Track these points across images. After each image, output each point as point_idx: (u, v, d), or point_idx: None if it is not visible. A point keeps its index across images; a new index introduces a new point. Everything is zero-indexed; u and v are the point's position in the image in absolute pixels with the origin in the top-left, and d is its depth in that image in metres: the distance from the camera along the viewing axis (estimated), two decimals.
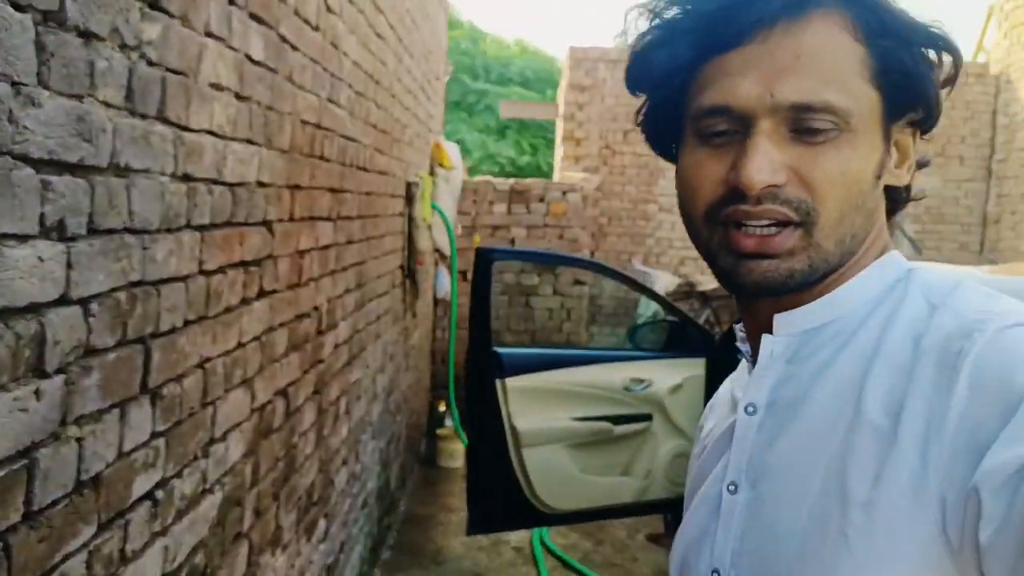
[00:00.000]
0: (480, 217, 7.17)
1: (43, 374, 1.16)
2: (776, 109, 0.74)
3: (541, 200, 7.23)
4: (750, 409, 0.83)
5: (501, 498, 3.85)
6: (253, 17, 1.97)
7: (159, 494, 1.59)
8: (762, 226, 0.75)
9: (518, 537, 4.82)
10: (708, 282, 8.31)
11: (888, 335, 0.76)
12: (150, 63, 1.44)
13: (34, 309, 1.14)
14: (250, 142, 1.99)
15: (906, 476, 0.68)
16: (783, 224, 0.75)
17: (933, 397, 0.69)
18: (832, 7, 0.75)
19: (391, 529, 4.72)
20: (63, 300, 1.21)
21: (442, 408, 6.53)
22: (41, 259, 1.14)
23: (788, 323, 0.82)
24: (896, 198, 0.85)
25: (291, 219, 2.38)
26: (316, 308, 2.75)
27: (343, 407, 3.28)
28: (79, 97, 1.21)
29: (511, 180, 7.36)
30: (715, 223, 0.78)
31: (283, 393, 2.41)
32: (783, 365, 0.81)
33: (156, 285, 1.52)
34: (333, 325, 3.02)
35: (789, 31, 0.74)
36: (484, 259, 3.81)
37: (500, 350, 3.87)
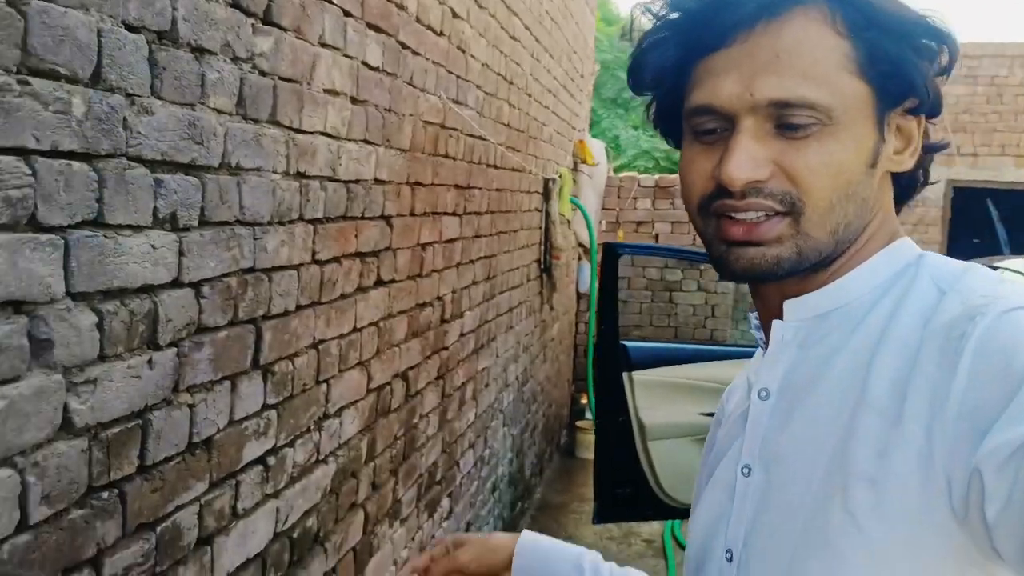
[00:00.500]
0: (624, 213, 7.20)
1: (156, 347, 1.34)
2: (756, 107, 0.76)
3: None
4: (763, 393, 0.85)
5: (627, 489, 3.90)
6: (370, 26, 2.13)
7: (271, 460, 1.76)
8: (749, 218, 0.78)
9: (650, 529, 4.85)
10: None
11: (896, 319, 0.77)
12: (262, 73, 1.61)
13: (148, 290, 1.31)
14: (367, 142, 2.15)
15: (913, 455, 0.70)
16: (770, 214, 0.78)
17: (936, 378, 0.70)
18: (813, 3, 0.77)
19: (525, 515, 4.85)
20: (176, 283, 1.38)
21: (583, 400, 6.62)
22: (154, 247, 1.32)
23: (798, 309, 0.84)
24: (908, 183, 0.87)
25: (412, 214, 2.54)
26: (439, 298, 2.90)
27: (469, 393, 3.43)
28: (190, 105, 1.39)
29: (656, 176, 7.34)
30: (708, 214, 0.81)
31: (403, 376, 2.57)
32: (795, 350, 0.83)
33: (267, 272, 1.69)
34: (458, 314, 3.17)
35: (769, 30, 0.76)
36: (611, 254, 3.88)
37: (628, 343, 3.92)
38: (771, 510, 0.80)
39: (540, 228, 4.85)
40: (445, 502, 3.19)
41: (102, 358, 1.22)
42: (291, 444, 1.85)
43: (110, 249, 1.22)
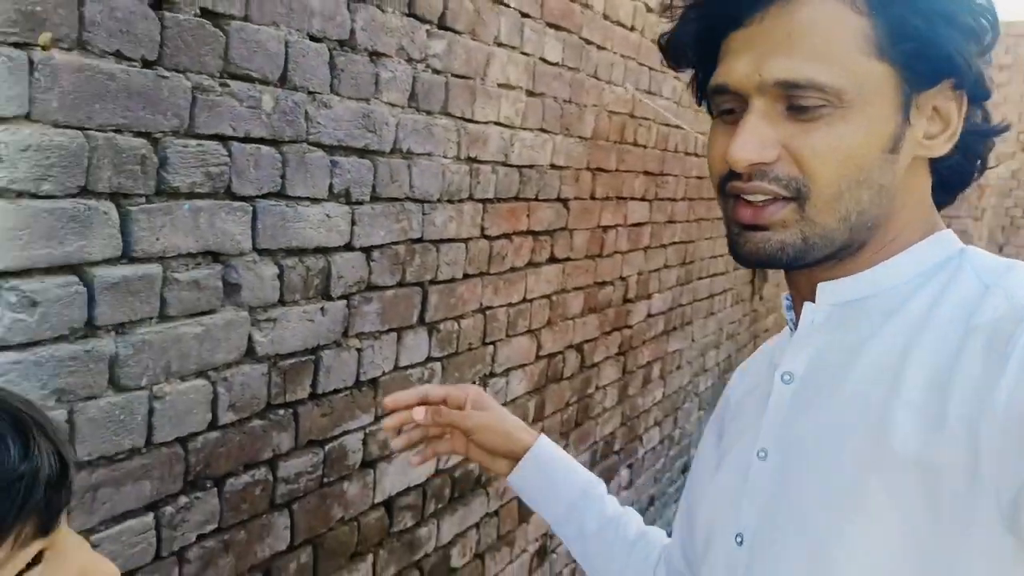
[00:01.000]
0: None
1: (329, 298, 1.65)
2: (764, 87, 0.74)
3: None
4: (786, 377, 0.82)
5: None
6: (550, 25, 2.35)
7: None
8: (756, 200, 0.76)
9: None
10: None
11: (937, 312, 0.74)
12: (435, 71, 1.88)
13: (323, 251, 1.62)
14: (543, 131, 2.37)
15: (960, 455, 0.67)
16: (776, 198, 0.76)
17: (981, 381, 0.68)
18: None
19: None
20: (348, 247, 1.68)
21: None
22: (328, 216, 1.62)
23: (830, 293, 0.81)
24: (957, 170, 0.81)
25: (592, 197, 2.74)
26: (622, 278, 3.08)
27: (656, 373, 3.58)
28: (365, 100, 1.68)
29: None
30: (725, 195, 0.80)
31: (577, 348, 2.78)
32: (823, 335, 0.81)
33: (435, 243, 1.96)
34: (645, 295, 3.33)
35: (784, 9, 0.75)
36: None
37: None
38: (789, 495, 0.78)
39: None
40: (624, 472, 3.37)
41: (281, 302, 1.53)
42: None
43: (291, 216, 1.53)
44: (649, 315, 3.41)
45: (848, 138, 0.73)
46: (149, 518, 1.33)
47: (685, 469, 4.19)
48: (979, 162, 0.82)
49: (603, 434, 3.11)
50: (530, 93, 2.29)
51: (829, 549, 0.73)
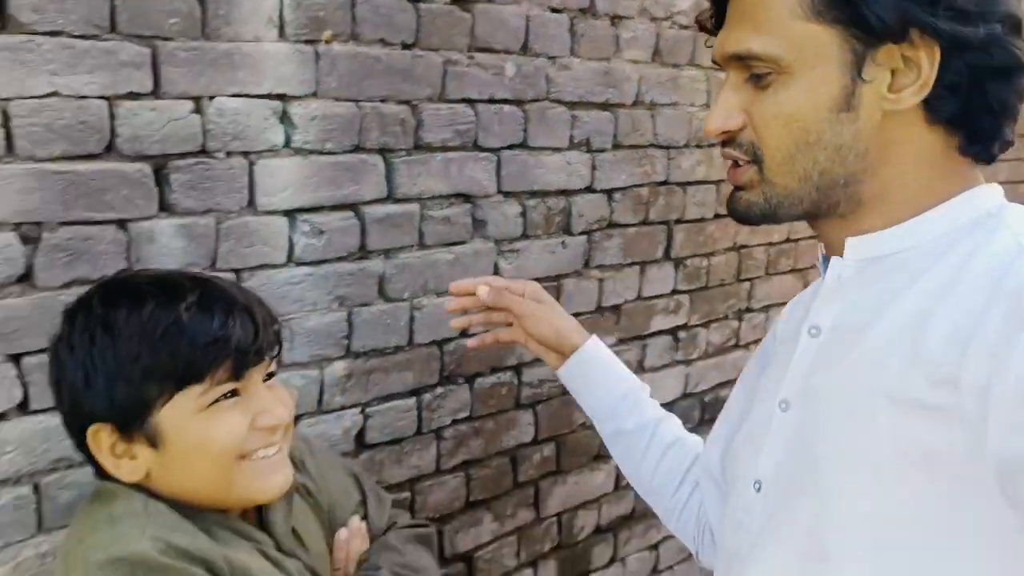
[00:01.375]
0: None
1: (569, 233, 1.92)
2: (726, 61, 0.81)
3: None
4: (813, 331, 0.84)
5: None
6: None
7: (681, 334, 2.25)
8: (731, 166, 0.84)
9: None
10: None
11: (967, 270, 0.74)
12: (681, 27, 2.05)
13: (563, 193, 1.89)
14: None
15: (968, 424, 0.68)
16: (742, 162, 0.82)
17: (1000, 347, 0.67)
18: None
19: None
20: (588, 189, 1.94)
21: None
22: (568, 163, 1.88)
23: (859, 247, 0.82)
24: (986, 118, 0.77)
25: None
26: None
27: None
28: (606, 59, 1.90)
29: None
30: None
31: None
32: (852, 291, 0.82)
33: (682, 185, 2.15)
34: None
35: None
36: None
37: None
38: (804, 448, 0.81)
39: None
40: None
41: (524, 236, 1.84)
42: (704, 326, 2.31)
43: (532, 163, 1.82)
44: None
45: (789, 103, 0.77)
46: (412, 400, 1.72)
47: None
48: (1009, 108, 0.77)
49: None
50: None
51: (835, 503, 0.76)
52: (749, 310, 2.43)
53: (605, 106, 1.93)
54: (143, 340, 0.93)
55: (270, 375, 1.04)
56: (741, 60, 0.78)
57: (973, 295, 0.71)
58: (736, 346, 2.42)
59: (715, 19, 0.85)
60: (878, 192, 0.79)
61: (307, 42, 1.45)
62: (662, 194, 2.11)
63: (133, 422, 0.95)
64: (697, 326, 2.29)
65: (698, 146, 2.16)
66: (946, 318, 0.71)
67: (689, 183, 2.17)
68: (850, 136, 0.77)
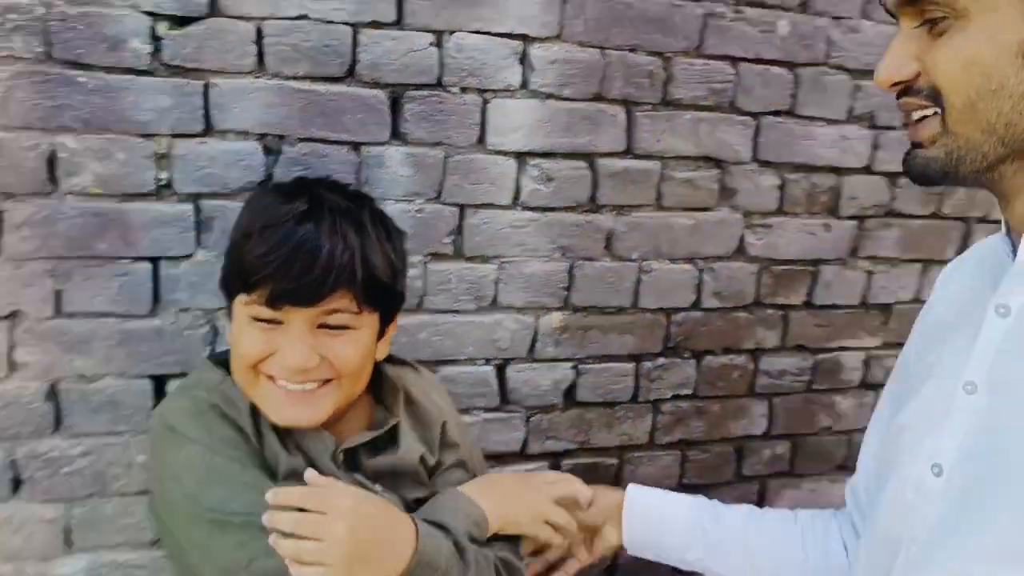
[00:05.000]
0: None
1: (836, 215, 1.74)
2: (898, 6, 0.76)
3: None
4: (1002, 310, 0.80)
5: None
6: None
7: None
8: (912, 120, 0.78)
9: None
10: None
11: None
12: None
13: (833, 170, 1.71)
14: None
15: None
16: (924, 115, 0.76)
17: None
18: None
19: None
20: (866, 170, 1.74)
21: None
22: (845, 137, 1.70)
23: None
24: None
25: None
26: None
27: None
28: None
29: None
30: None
31: None
32: None
33: None
34: None
35: None
36: None
37: None
38: (999, 434, 0.77)
39: None
40: None
41: (780, 212, 1.69)
42: None
43: (799, 133, 1.66)
44: None
45: (967, 47, 0.72)
46: (630, 366, 1.66)
47: None
48: None
49: None
50: None
51: None
52: None
53: None
54: (237, 231, 1.04)
55: (337, 327, 1.01)
56: (914, 4, 0.75)
57: None
58: None
59: None
60: None
61: None
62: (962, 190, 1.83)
63: (227, 300, 1.05)
64: None
65: None
66: None
67: None
68: None
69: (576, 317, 1.59)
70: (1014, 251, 0.81)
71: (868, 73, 1.68)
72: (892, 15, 0.79)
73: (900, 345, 1.81)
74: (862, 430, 1.87)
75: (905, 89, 0.77)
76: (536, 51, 1.45)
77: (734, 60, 1.58)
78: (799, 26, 1.61)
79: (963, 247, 1.87)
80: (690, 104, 1.57)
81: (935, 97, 0.75)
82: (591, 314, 1.60)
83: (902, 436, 0.87)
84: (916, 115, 0.77)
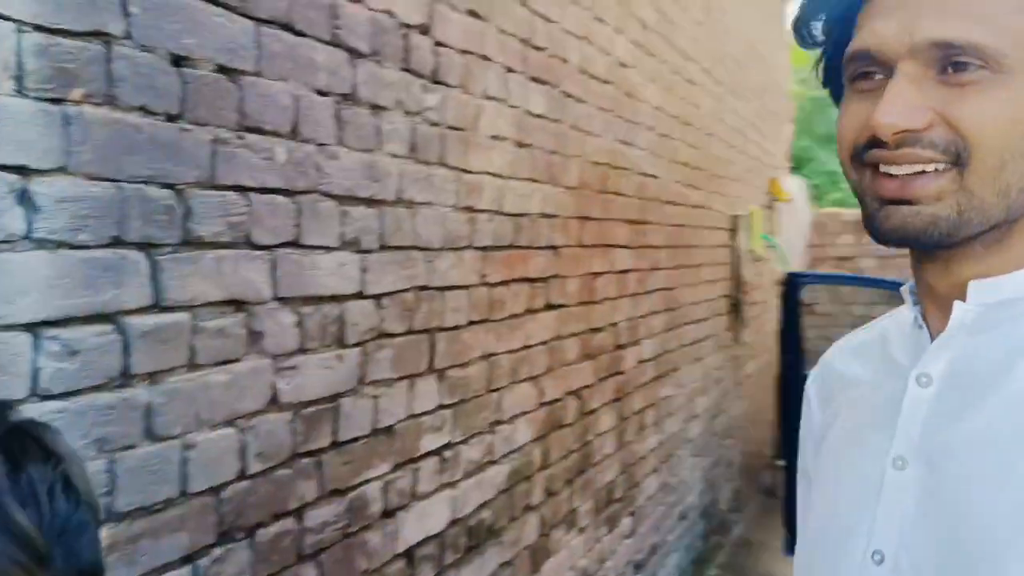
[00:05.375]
0: (826, 249, 7.10)
1: (344, 345, 1.66)
2: (917, 49, 0.69)
3: None
4: (923, 380, 0.76)
5: None
6: (533, 79, 2.43)
7: (447, 454, 2.05)
8: (904, 174, 0.71)
9: None
10: None
11: None
12: (431, 123, 1.94)
13: (337, 298, 1.64)
14: (531, 180, 2.44)
15: None
16: (928, 169, 0.70)
17: None
18: None
19: (720, 549, 4.89)
20: (359, 295, 1.71)
21: None
22: (341, 264, 1.65)
23: (986, 291, 0.74)
24: None
25: (580, 245, 2.79)
26: (613, 324, 3.12)
27: (650, 419, 3.60)
28: (369, 151, 1.72)
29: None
30: (861, 165, 0.74)
31: (575, 394, 2.80)
32: (967, 336, 0.74)
33: (440, 290, 1.99)
34: (634, 342, 3.37)
35: None
36: (792, 283, 3.96)
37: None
38: (945, 510, 0.71)
39: (728, 264, 4.95)
40: (627, 520, 3.36)
41: (302, 350, 1.55)
42: (465, 442, 2.13)
43: (306, 264, 1.55)
44: (640, 361, 3.45)
45: (1009, 107, 0.68)
46: (187, 570, 1.32)
47: (682, 517, 4.19)
48: None
49: (604, 481, 3.11)
50: (519, 144, 2.36)
51: (1013, 569, 0.66)
52: (499, 422, 2.30)
53: (371, 202, 1.74)
54: None
55: None
56: (947, 50, 0.68)
57: None
58: (491, 462, 2.27)
59: (840, 11, 0.76)
60: None
61: (53, 101, 1.10)
62: (424, 299, 1.94)
63: None
64: (459, 443, 2.11)
65: (452, 249, 2.03)
66: None
67: (447, 288, 2.02)
68: None
69: (121, 529, 1.20)
70: (923, 322, 0.79)
71: (350, 199, 1.67)
72: (885, 59, 0.71)
73: (404, 464, 1.82)
74: (390, 562, 1.81)
75: (903, 140, 0.70)
76: (40, 187, 1.08)
77: (244, 190, 1.41)
78: (294, 153, 1.52)
79: (432, 355, 1.96)
80: (211, 241, 1.34)
81: (956, 151, 0.69)
82: (139, 519, 1.23)
83: (835, 532, 0.80)
84: (914, 168, 0.70)
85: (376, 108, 1.74)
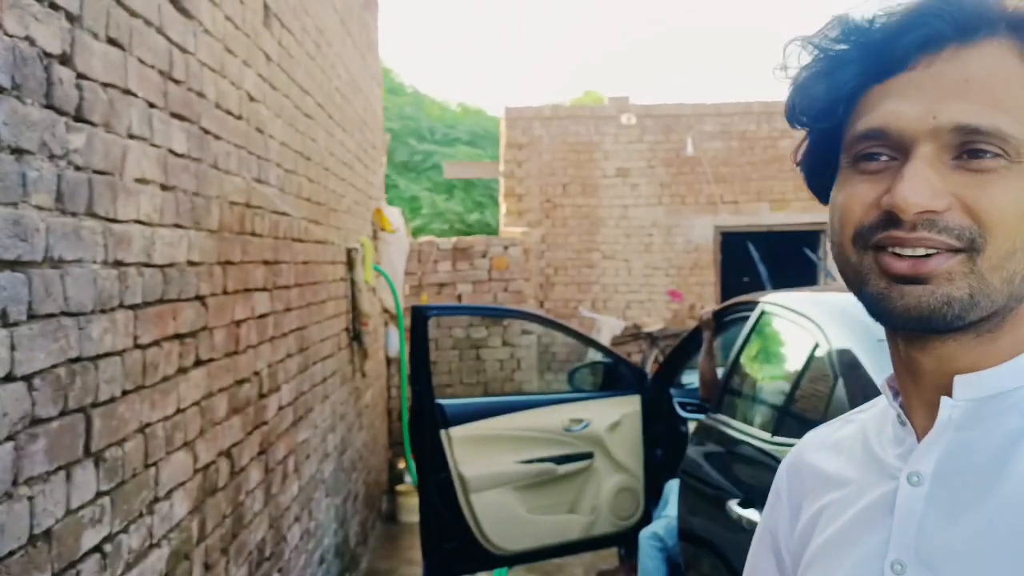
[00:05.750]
0: (426, 276, 7.40)
1: None
2: (938, 133, 0.69)
3: (484, 256, 7.49)
4: (914, 479, 0.74)
5: (455, 545, 4.02)
6: (174, 115, 2.21)
7: (107, 548, 1.77)
8: (917, 254, 0.70)
9: None
10: (654, 324, 8.60)
11: None
12: (77, 168, 1.67)
13: None
14: (178, 226, 2.21)
15: None
16: (940, 250, 0.70)
17: None
18: (1006, 36, 0.71)
19: None
20: (9, 377, 1.41)
21: (401, 465, 6.68)
22: None
23: (972, 386, 0.73)
24: None
25: (224, 292, 2.59)
26: (256, 373, 2.94)
27: (291, 466, 3.46)
28: (14, 204, 1.43)
29: (453, 239, 7.63)
30: (864, 247, 0.73)
31: (227, 454, 2.59)
32: (955, 432, 0.73)
33: (93, 360, 1.72)
34: (275, 388, 3.21)
35: (957, 56, 0.71)
36: (420, 317, 4.05)
37: (443, 402, 4.08)
38: None
39: (346, 297, 4.94)
40: None
41: None
42: (125, 530, 1.86)
43: None
44: (280, 407, 3.29)
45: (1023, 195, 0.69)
46: None
47: (321, 561, 4.08)
48: None
49: (256, 541, 2.91)
50: (164, 187, 2.12)
51: None
52: (157, 499, 2.05)
53: (17, 264, 1.44)
54: None
55: None
56: (970, 135, 0.68)
57: None
58: (151, 546, 2.00)
59: (841, 91, 0.75)
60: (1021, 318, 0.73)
61: None
62: (78, 373, 1.65)
63: None
64: (119, 533, 1.83)
65: (103, 311, 1.76)
66: None
67: (99, 356, 1.75)
68: None
69: None
70: (906, 418, 0.77)
71: None
72: (901, 140, 0.70)
73: (70, 567, 1.56)
74: None
75: (917, 221, 0.69)
76: None
77: None
78: None
79: (88, 437, 1.69)
80: None
81: (971, 237, 0.69)
82: None
83: None
84: (927, 252, 0.69)
85: (19, 152, 1.46)
